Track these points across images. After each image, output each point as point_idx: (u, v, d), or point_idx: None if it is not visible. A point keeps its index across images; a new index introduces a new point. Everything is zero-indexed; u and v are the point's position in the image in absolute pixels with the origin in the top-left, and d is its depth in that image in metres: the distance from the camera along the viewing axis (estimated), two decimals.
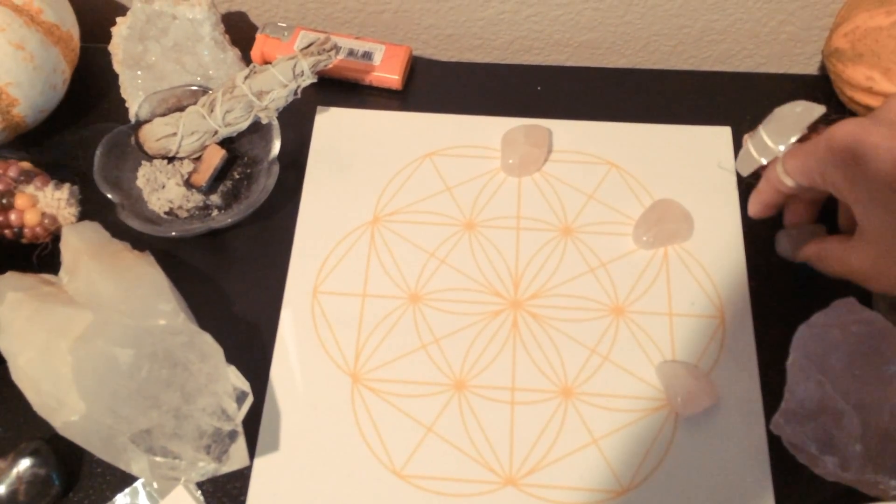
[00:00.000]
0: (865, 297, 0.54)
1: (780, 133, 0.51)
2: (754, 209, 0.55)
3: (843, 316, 0.49)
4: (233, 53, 0.65)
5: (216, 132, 0.60)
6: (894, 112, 0.43)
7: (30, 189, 0.56)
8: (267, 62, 0.66)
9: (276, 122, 0.60)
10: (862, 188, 0.43)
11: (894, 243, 0.43)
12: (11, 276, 0.53)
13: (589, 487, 0.51)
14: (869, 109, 0.59)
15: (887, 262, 0.44)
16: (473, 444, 0.52)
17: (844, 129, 0.43)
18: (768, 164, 0.53)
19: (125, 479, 0.51)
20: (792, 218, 0.55)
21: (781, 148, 0.51)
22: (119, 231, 0.56)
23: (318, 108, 0.66)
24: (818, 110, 0.50)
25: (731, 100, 0.66)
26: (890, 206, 0.42)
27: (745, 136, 0.55)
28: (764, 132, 0.52)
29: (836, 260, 0.49)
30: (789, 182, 0.49)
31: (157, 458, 0.48)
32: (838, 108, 0.63)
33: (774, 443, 0.51)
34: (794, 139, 0.50)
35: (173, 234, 0.57)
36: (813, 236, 0.55)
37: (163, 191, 0.60)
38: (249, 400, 0.50)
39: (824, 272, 0.51)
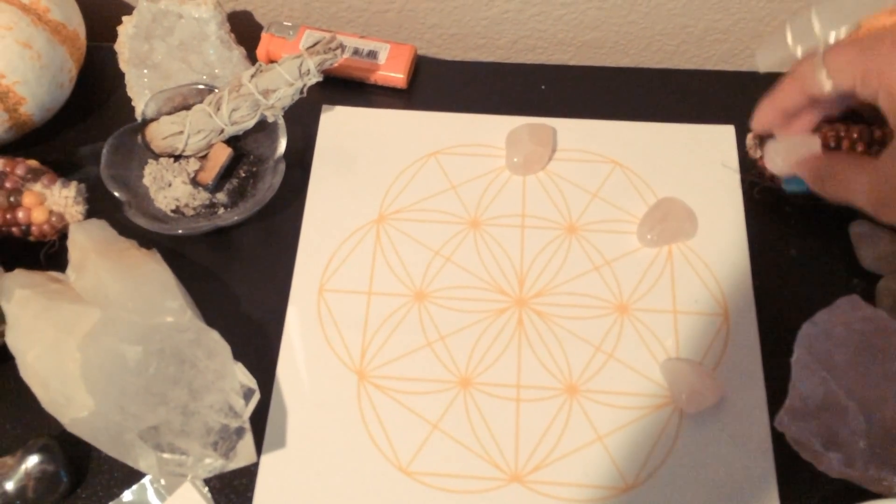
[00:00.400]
0: (869, 295, 0.54)
1: (835, 18, 0.43)
2: (766, 117, 0.45)
3: (847, 313, 0.49)
4: (238, 52, 0.65)
5: (222, 130, 0.60)
6: None
7: (37, 187, 0.56)
8: (272, 61, 0.66)
9: (281, 121, 0.61)
10: None
11: None
12: (19, 274, 0.53)
13: (594, 484, 0.51)
14: (873, 106, 0.60)
15: None
16: (479, 440, 0.52)
17: None
18: (801, 59, 0.42)
19: (133, 476, 0.51)
20: (796, 130, 0.46)
21: (832, 37, 0.43)
22: (126, 229, 0.57)
23: (324, 106, 0.66)
24: (883, 2, 0.43)
25: (735, 99, 0.66)
26: None
27: (784, 22, 0.45)
28: (815, 14, 0.43)
29: (844, 180, 0.41)
30: (827, 84, 0.40)
31: (165, 455, 0.48)
32: None
33: (778, 439, 0.51)
34: (845, 29, 0.44)
35: (180, 231, 0.58)
36: (810, 149, 0.46)
37: (169, 189, 0.61)
38: (256, 397, 0.50)
39: (822, 193, 0.43)
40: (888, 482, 0.46)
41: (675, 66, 0.76)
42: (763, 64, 0.47)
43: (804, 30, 0.45)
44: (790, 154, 0.46)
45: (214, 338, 0.51)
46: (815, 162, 0.44)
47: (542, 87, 0.68)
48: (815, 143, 0.46)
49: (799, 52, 0.45)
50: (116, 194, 0.58)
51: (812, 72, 0.41)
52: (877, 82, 0.38)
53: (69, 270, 0.54)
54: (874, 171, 0.39)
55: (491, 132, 0.65)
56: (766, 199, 0.60)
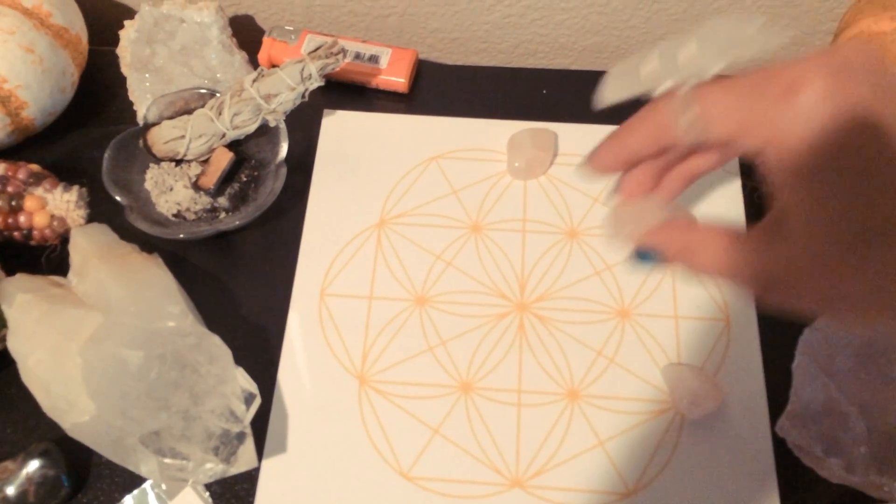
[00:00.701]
0: None
1: (716, 51, 0.32)
2: (607, 160, 0.36)
3: None
4: (240, 57, 0.66)
5: (224, 135, 0.60)
6: (860, 58, 0.28)
7: (39, 191, 0.56)
8: (274, 65, 0.66)
9: (283, 125, 0.61)
10: (827, 158, 0.28)
11: (841, 242, 0.28)
12: (21, 278, 0.53)
13: (595, 489, 0.51)
14: None
15: (815, 267, 0.29)
16: (480, 445, 0.52)
17: (814, 73, 0.28)
18: (663, 98, 0.33)
19: (134, 481, 0.51)
20: (638, 186, 0.36)
21: (712, 71, 0.32)
22: (127, 233, 0.57)
23: (325, 111, 0.66)
24: (780, 39, 0.32)
25: None
26: (866, 187, 0.27)
27: (648, 51, 0.35)
28: (696, 42, 0.32)
29: (718, 253, 0.32)
30: (694, 131, 0.31)
31: (166, 460, 0.48)
32: None
33: (780, 445, 0.51)
34: (722, 65, 0.32)
35: (181, 236, 0.58)
36: (662, 215, 0.36)
37: (171, 193, 0.61)
38: (257, 401, 0.50)
39: (685, 266, 0.33)
40: (889, 488, 0.46)
41: None
42: (606, 96, 0.36)
43: (681, 58, 0.33)
44: (642, 221, 0.36)
45: (216, 342, 0.51)
46: (674, 232, 0.34)
47: (544, 91, 0.68)
48: (661, 210, 0.36)
49: (667, 83, 0.33)
50: (118, 198, 0.58)
51: (676, 115, 0.32)
52: (763, 135, 0.29)
53: (70, 275, 0.54)
54: (754, 245, 0.31)
55: (492, 137, 0.65)
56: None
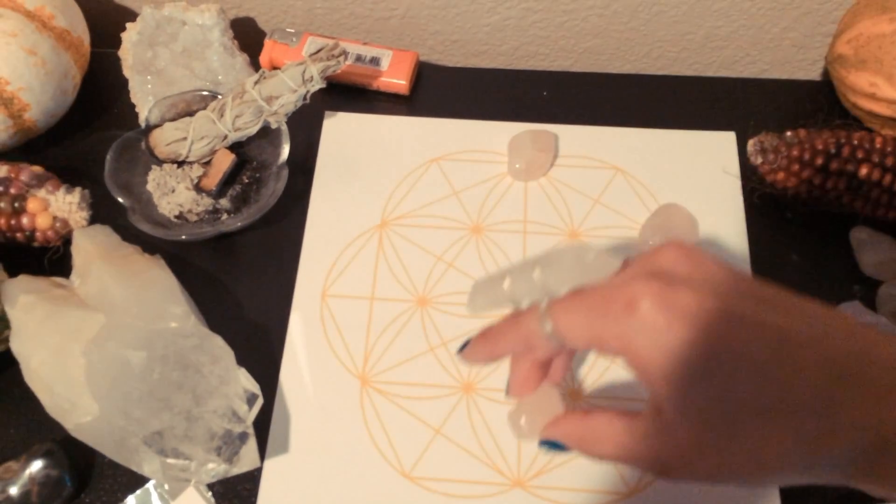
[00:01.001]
0: (870, 301, 0.55)
1: (559, 277, 0.37)
2: (479, 356, 0.40)
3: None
4: (241, 59, 0.66)
5: (226, 137, 0.60)
6: (679, 266, 0.33)
7: (41, 193, 0.57)
8: (275, 67, 0.66)
9: (285, 127, 0.61)
10: (673, 361, 0.31)
11: (711, 427, 0.31)
12: (23, 280, 0.53)
13: (596, 489, 0.51)
14: (872, 115, 0.60)
15: (700, 449, 0.32)
16: (481, 446, 0.53)
17: (644, 291, 0.32)
18: (526, 310, 0.37)
19: (136, 481, 0.51)
20: (527, 385, 0.40)
21: (560, 293, 0.36)
22: (129, 235, 0.57)
23: (326, 112, 0.66)
24: (612, 265, 0.36)
25: (736, 105, 0.66)
26: (710, 381, 0.31)
27: (504, 278, 0.39)
28: (539, 270, 0.37)
29: (614, 442, 0.35)
30: (553, 342, 0.35)
31: (169, 460, 0.48)
32: (842, 114, 0.63)
33: None
34: (565, 290, 0.36)
35: (183, 237, 0.58)
36: (554, 407, 0.40)
37: (173, 195, 0.61)
38: (259, 402, 0.50)
39: (587, 455, 0.36)
40: None
41: (676, 72, 0.76)
42: (475, 306, 0.40)
43: (527, 284, 0.38)
44: (536, 418, 0.40)
45: (218, 343, 0.51)
46: (570, 425, 0.37)
47: (544, 93, 0.68)
48: (555, 399, 0.40)
49: (523, 303, 0.38)
50: (120, 200, 0.58)
51: (537, 327, 0.35)
52: (616, 347, 0.33)
53: (73, 276, 0.54)
54: (643, 434, 0.34)
55: (493, 138, 0.65)
56: (766, 205, 0.60)
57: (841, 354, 0.30)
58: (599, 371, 0.55)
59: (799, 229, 0.60)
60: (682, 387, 0.31)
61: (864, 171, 0.54)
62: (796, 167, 0.55)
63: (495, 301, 0.39)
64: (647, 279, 0.32)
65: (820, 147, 0.55)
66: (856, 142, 0.55)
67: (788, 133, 0.57)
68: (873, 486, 0.31)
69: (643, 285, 0.32)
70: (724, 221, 0.60)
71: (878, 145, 0.55)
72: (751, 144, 0.58)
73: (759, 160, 0.57)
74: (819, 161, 0.55)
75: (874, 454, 0.29)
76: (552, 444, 0.38)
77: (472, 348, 0.39)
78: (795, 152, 0.55)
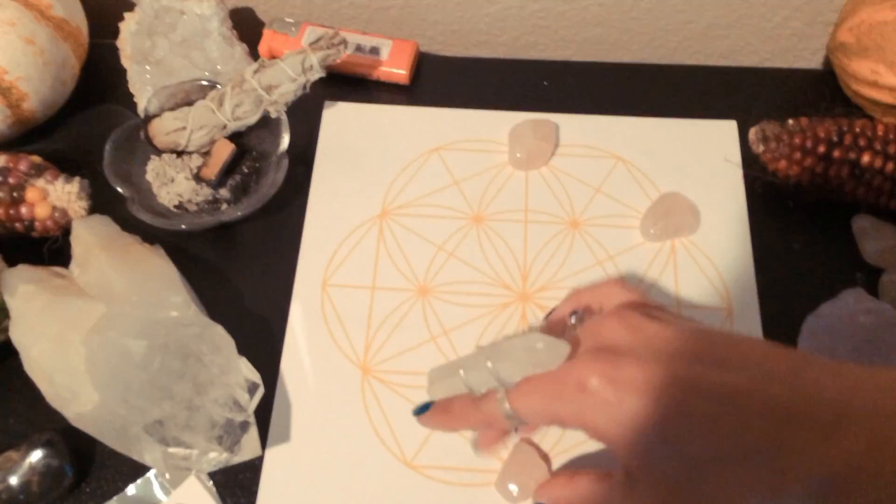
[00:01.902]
0: (873, 288, 0.55)
1: (512, 368, 0.39)
2: (436, 426, 0.45)
3: (851, 306, 0.49)
4: (240, 49, 0.66)
5: (225, 126, 0.60)
6: (619, 337, 0.37)
7: (40, 182, 0.56)
8: (274, 57, 0.66)
9: (284, 117, 0.61)
10: (629, 429, 0.34)
11: (676, 486, 0.34)
12: (23, 269, 0.53)
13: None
14: (874, 103, 0.60)
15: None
16: None
17: (591, 371, 0.35)
18: (485, 396, 0.41)
19: (137, 470, 0.51)
20: (496, 445, 0.47)
21: (514, 380, 0.39)
22: (128, 225, 0.57)
23: (326, 102, 0.66)
24: (563, 351, 0.38)
25: (737, 94, 0.66)
26: (665, 444, 0.34)
27: (458, 369, 0.42)
28: (491, 363, 0.40)
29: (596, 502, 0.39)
30: (516, 421, 0.39)
31: (170, 449, 0.48)
32: (844, 102, 0.63)
33: None
34: (519, 377, 0.39)
35: (183, 227, 0.58)
36: (536, 470, 0.49)
37: (172, 185, 0.61)
38: (261, 391, 0.50)
39: None
40: None
41: (677, 61, 0.76)
42: (433, 393, 0.44)
43: (481, 376, 0.41)
44: (524, 481, 0.49)
45: (219, 332, 0.51)
46: (555, 488, 0.42)
47: (545, 82, 0.68)
48: (535, 458, 0.50)
49: (480, 390, 0.41)
50: (119, 190, 0.58)
51: (496, 410, 0.39)
52: (575, 423, 0.37)
53: (72, 266, 0.54)
54: (620, 498, 0.37)
55: (494, 128, 0.65)
56: (768, 194, 0.60)
57: (785, 399, 0.32)
58: None
59: (801, 218, 0.60)
60: (643, 453, 0.34)
61: (866, 158, 0.54)
62: (798, 155, 0.55)
63: (452, 388, 0.42)
64: (594, 358, 0.36)
65: (822, 135, 0.55)
66: (858, 130, 0.55)
67: (790, 121, 0.57)
68: None
69: (590, 365, 0.35)
70: (726, 210, 0.60)
71: (880, 133, 0.54)
72: (752, 133, 0.58)
73: (761, 148, 0.57)
74: (821, 149, 0.55)
75: (828, 491, 0.30)
76: None
77: (432, 419, 0.43)
78: (797, 140, 0.55)
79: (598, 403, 0.35)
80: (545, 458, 0.51)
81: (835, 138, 0.55)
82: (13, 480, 0.49)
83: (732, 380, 0.33)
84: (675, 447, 0.33)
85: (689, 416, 0.33)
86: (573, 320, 0.42)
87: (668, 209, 0.59)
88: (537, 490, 0.43)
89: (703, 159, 0.63)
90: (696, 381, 0.33)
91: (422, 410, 0.44)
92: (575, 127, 0.65)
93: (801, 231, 0.59)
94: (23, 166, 0.57)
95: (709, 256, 0.58)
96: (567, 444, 0.52)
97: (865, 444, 0.30)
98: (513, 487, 0.50)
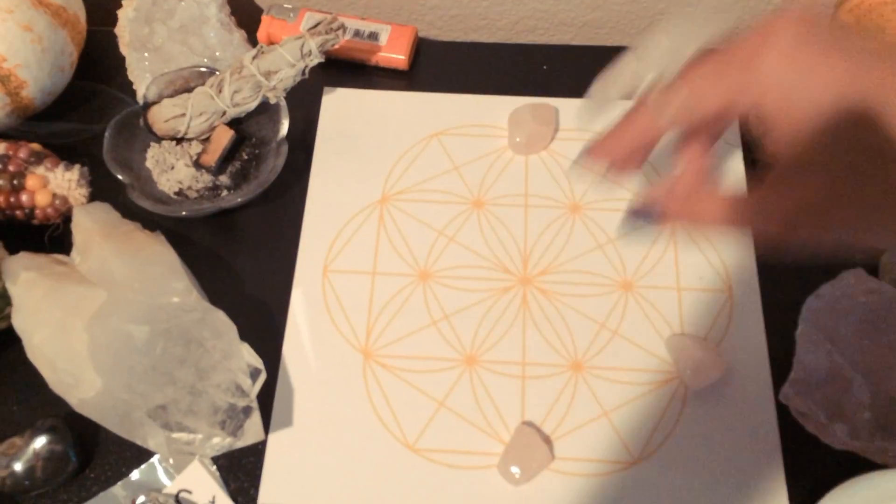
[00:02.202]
0: (872, 268, 0.55)
1: (685, 40, 0.35)
2: (605, 155, 0.36)
3: (851, 286, 0.50)
4: (239, 35, 0.65)
5: (224, 112, 0.60)
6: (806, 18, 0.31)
7: (40, 170, 0.56)
8: (273, 43, 0.66)
9: (283, 103, 0.61)
10: (802, 105, 0.30)
11: (841, 175, 0.30)
12: (24, 257, 0.53)
13: (600, 459, 0.51)
14: None
15: (831, 202, 0.30)
16: (485, 417, 0.53)
17: (772, 40, 0.30)
18: (652, 89, 0.35)
19: (141, 456, 0.51)
20: (631, 163, 0.37)
21: (686, 56, 0.34)
22: (129, 212, 0.57)
23: (325, 88, 0.66)
24: (730, 20, 0.36)
25: None
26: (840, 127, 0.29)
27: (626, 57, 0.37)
28: (665, 36, 0.35)
29: (728, 210, 0.34)
30: (686, 112, 0.33)
31: (173, 434, 0.48)
32: None
33: (783, 413, 0.51)
34: (693, 49, 0.34)
35: (183, 213, 0.58)
36: (539, 456, 0.49)
37: (172, 172, 0.61)
38: (263, 377, 0.50)
39: (735, 228, 0.35)
40: (893, 452, 0.47)
41: None
42: (609, 95, 0.37)
43: (646, 60, 0.36)
44: (526, 465, 0.48)
45: (220, 318, 0.51)
46: (720, 203, 0.35)
47: (544, 66, 0.67)
48: (540, 444, 0.48)
49: (648, 76, 0.36)
50: (119, 177, 0.58)
51: (663, 106, 0.33)
52: (744, 99, 0.32)
53: (74, 253, 0.54)
54: (773, 188, 0.33)
55: (493, 112, 0.65)
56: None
57: None
58: (602, 342, 0.55)
59: None
60: (807, 136, 0.30)
61: None
62: None
63: (626, 85, 0.36)
64: (775, 27, 0.30)
65: None
66: None
67: None
68: None
69: (770, 34, 0.30)
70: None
71: None
72: (752, 116, 0.58)
73: (761, 130, 0.57)
74: None
75: None
76: (642, 216, 0.36)
77: (597, 148, 0.36)
78: None
79: (771, 73, 0.30)
80: (547, 440, 0.51)
81: None
82: (17, 466, 0.49)
83: None
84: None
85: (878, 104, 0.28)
86: None
87: None
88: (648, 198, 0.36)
89: None
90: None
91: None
92: (574, 111, 0.64)
93: None
94: (22, 154, 0.57)
95: (709, 238, 0.58)
96: (569, 426, 0.52)
97: None
98: (515, 469, 0.50)
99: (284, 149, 0.60)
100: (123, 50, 0.65)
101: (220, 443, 0.49)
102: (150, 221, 0.57)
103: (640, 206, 0.36)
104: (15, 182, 0.56)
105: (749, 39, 0.31)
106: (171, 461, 0.51)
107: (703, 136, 0.36)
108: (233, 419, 0.49)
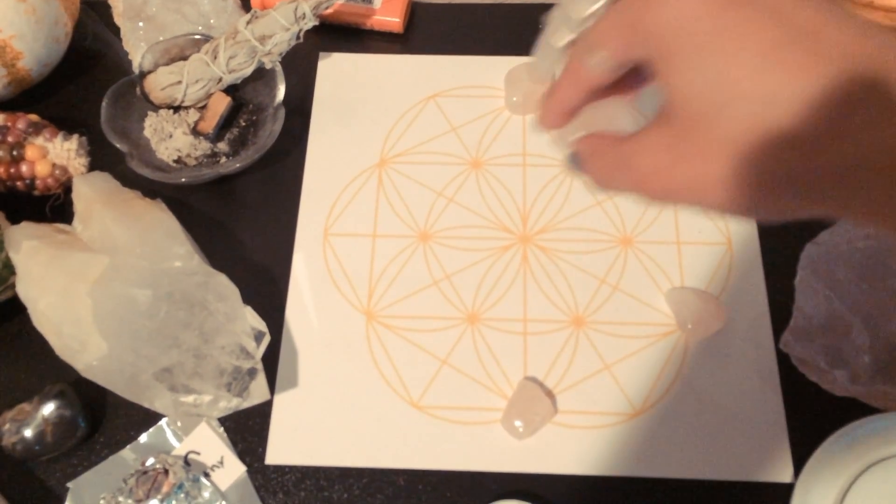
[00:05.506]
0: None
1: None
2: (551, 114, 0.35)
3: (850, 232, 0.50)
4: (232, 1, 0.65)
5: (220, 79, 0.60)
6: None
7: (39, 140, 0.57)
8: (266, 8, 0.65)
9: (279, 67, 0.61)
10: (682, 38, 0.28)
11: (702, 119, 0.27)
12: (26, 226, 0.53)
13: (602, 411, 0.52)
14: None
15: (684, 149, 0.28)
16: (488, 374, 0.53)
17: None
18: (574, 46, 0.35)
19: (149, 419, 0.52)
20: (567, 105, 0.35)
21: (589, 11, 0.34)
22: (128, 181, 0.57)
23: (321, 54, 0.66)
24: None
25: None
26: (711, 61, 0.27)
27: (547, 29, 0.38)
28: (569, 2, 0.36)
29: (610, 156, 0.32)
30: (601, 61, 0.31)
31: (180, 398, 0.49)
32: None
33: (784, 361, 0.52)
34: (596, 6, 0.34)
35: (183, 180, 0.58)
36: (542, 409, 0.50)
37: (170, 140, 0.61)
38: (267, 339, 0.51)
39: (593, 178, 0.33)
40: (893, 396, 0.47)
41: None
42: (540, 69, 0.38)
43: (566, 19, 0.36)
44: (529, 418, 0.50)
45: (223, 282, 0.51)
46: (596, 141, 0.33)
47: (540, 26, 0.67)
48: (543, 398, 0.50)
49: (572, 35, 0.36)
50: (118, 146, 0.58)
51: (584, 57, 0.32)
52: (640, 38, 0.30)
53: (75, 222, 0.54)
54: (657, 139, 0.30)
55: (489, 73, 0.65)
56: None
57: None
58: (603, 297, 0.55)
59: None
60: (682, 74, 0.28)
61: None
62: None
63: (551, 56, 0.37)
64: None
65: None
66: None
67: None
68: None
69: None
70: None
71: None
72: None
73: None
74: None
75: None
76: (574, 160, 0.34)
77: (542, 113, 0.35)
78: None
79: (659, 2, 0.28)
80: (549, 394, 0.52)
81: None
82: (27, 432, 0.49)
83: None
84: (720, 73, 0.27)
85: (753, 37, 0.26)
86: None
87: None
88: (575, 142, 0.34)
89: None
90: (787, 12, 0.26)
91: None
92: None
93: None
94: (21, 125, 0.57)
95: None
96: (571, 380, 0.52)
97: None
98: (518, 423, 0.50)
99: (281, 114, 0.60)
100: (118, 20, 0.64)
101: (227, 404, 0.49)
102: (149, 190, 0.57)
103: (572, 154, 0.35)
104: (14, 153, 0.56)
105: None
106: (178, 424, 0.52)
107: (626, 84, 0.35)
108: (238, 381, 0.49)
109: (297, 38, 0.59)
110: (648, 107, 0.35)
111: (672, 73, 0.28)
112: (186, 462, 0.51)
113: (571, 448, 0.51)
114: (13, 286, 0.52)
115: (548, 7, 0.68)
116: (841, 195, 0.26)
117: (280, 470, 0.51)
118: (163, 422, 0.52)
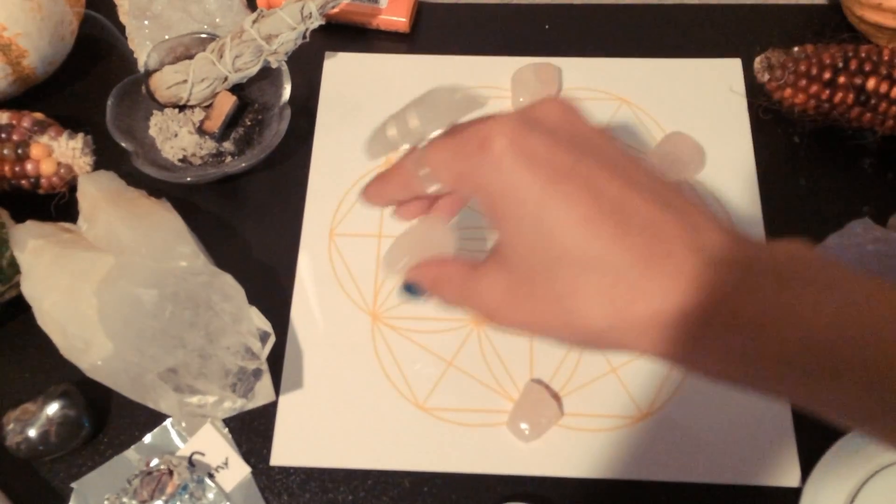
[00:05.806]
0: (881, 219, 0.54)
1: (432, 117, 0.38)
2: (373, 201, 0.39)
3: (859, 235, 0.49)
4: (238, 0, 0.65)
5: (226, 78, 0.60)
6: (550, 116, 0.33)
7: (44, 139, 0.56)
8: (273, 7, 0.65)
9: (285, 67, 0.60)
10: (511, 201, 0.31)
11: (534, 272, 0.31)
12: (31, 225, 0.53)
13: (609, 414, 0.51)
14: (878, 28, 0.59)
15: (521, 294, 0.32)
16: (494, 376, 0.53)
17: (500, 131, 0.31)
18: (406, 153, 0.37)
19: (153, 420, 0.52)
20: (409, 212, 0.39)
21: (430, 134, 0.37)
22: (133, 180, 0.57)
23: (327, 53, 0.66)
24: (478, 103, 0.37)
25: (741, 32, 0.65)
26: (538, 226, 0.31)
27: (388, 119, 0.40)
28: (414, 112, 0.38)
29: (457, 287, 0.36)
30: (430, 184, 0.35)
31: (185, 398, 0.48)
32: (848, 33, 0.62)
33: None
34: (441, 129, 0.37)
35: (188, 179, 0.58)
36: (548, 411, 0.50)
37: (176, 139, 0.60)
38: (272, 339, 0.51)
39: (437, 296, 0.37)
40: None
41: (679, 1, 0.75)
42: (371, 153, 0.40)
43: (403, 125, 0.38)
44: (536, 420, 0.50)
45: (228, 281, 0.51)
46: (433, 270, 0.37)
47: (546, 26, 0.67)
48: (548, 399, 0.50)
49: (404, 145, 0.39)
50: (123, 144, 0.58)
51: (413, 168, 0.35)
52: (472, 186, 0.33)
53: (80, 221, 0.54)
54: (481, 274, 0.34)
55: (496, 73, 0.64)
56: (774, 129, 0.60)
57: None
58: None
59: (807, 152, 0.59)
60: (513, 231, 0.32)
61: (871, 83, 0.53)
62: (804, 82, 0.55)
63: (385, 147, 0.39)
64: (511, 120, 0.32)
65: (827, 61, 0.54)
66: (863, 54, 0.54)
67: (796, 49, 0.56)
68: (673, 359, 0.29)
69: (503, 125, 0.31)
70: (731, 148, 0.60)
71: (885, 57, 0.54)
72: (758, 61, 0.57)
73: (766, 77, 0.57)
74: (827, 75, 0.54)
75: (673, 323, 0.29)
76: (410, 289, 0.38)
77: (367, 191, 0.39)
78: (803, 67, 0.55)
79: (494, 166, 0.31)
80: (556, 397, 0.52)
81: (840, 63, 0.54)
82: (31, 432, 0.49)
83: (631, 199, 0.30)
84: (545, 235, 0.30)
85: (572, 211, 0.30)
86: None
87: (673, 149, 0.59)
88: (409, 271, 0.38)
89: (708, 98, 0.62)
90: (594, 185, 0.30)
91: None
92: (578, 70, 0.64)
93: (807, 165, 0.59)
94: (26, 123, 0.56)
95: (715, 193, 0.58)
96: (577, 383, 0.52)
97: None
98: (524, 426, 0.50)
99: (287, 114, 0.60)
100: (123, 18, 0.64)
101: (232, 405, 0.49)
102: (155, 189, 0.57)
103: (407, 281, 0.38)
104: (19, 151, 0.56)
105: (486, 125, 0.32)
106: (183, 425, 0.52)
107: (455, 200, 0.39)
108: (243, 381, 0.49)
109: (304, 37, 0.59)
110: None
111: (504, 229, 0.32)
112: (191, 463, 0.50)
113: (578, 451, 0.50)
114: (18, 285, 0.52)
115: (554, 8, 0.68)
116: (643, 345, 0.30)
117: (285, 471, 0.51)
118: (167, 422, 0.52)
